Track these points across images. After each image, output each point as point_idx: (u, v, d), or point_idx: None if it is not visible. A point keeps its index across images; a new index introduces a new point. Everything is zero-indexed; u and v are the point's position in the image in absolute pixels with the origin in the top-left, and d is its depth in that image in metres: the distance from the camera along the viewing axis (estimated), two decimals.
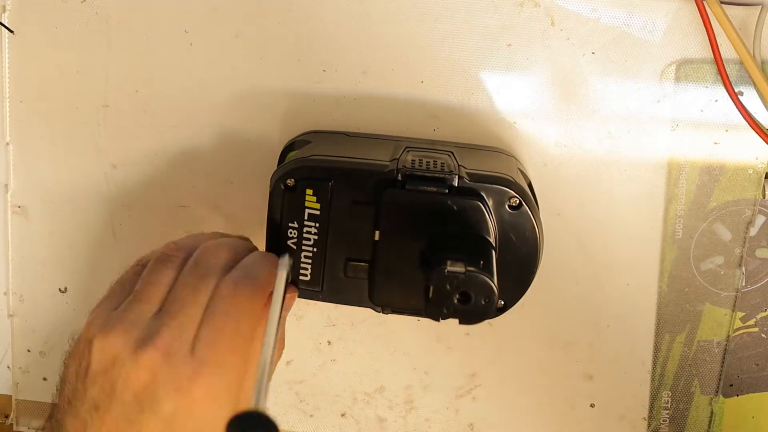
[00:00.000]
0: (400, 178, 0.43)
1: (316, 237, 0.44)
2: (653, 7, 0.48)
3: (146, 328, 0.38)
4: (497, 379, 0.55)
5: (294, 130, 0.52)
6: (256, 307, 0.40)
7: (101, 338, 0.38)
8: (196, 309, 0.39)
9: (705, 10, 0.46)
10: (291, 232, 0.44)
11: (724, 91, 0.48)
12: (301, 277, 0.45)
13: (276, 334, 0.38)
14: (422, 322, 0.54)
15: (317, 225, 0.44)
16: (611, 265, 0.52)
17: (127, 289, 0.41)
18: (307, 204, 0.44)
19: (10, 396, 0.60)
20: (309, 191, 0.44)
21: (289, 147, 0.50)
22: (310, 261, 0.45)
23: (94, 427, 0.37)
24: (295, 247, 0.45)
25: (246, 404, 0.39)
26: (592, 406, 0.55)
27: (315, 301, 0.46)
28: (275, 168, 0.49)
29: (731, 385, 0.53)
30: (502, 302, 0.44)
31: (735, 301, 0.52)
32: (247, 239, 0.46)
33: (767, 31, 0.47)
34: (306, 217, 0.44)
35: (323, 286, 0.45)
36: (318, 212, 0.44)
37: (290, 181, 0.44)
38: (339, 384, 0.56)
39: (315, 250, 0.44)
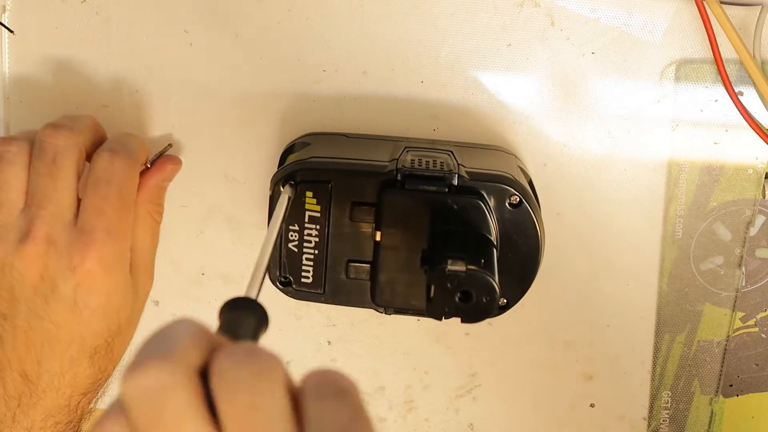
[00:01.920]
0: (399, 178, 0.43)
1: (317, 239, 0.44)
2: (653, 7, 0.48)
3: (18, 227, 0.39)
4: (497, 379, 0.55)
5: (294, 130, 0.52)
6: (134, 174, 0.41)
7: None
8: (61, 193, 0.39)
9: (705, 10, 0.47)
10: (292, 235, 0.44)
11: (724, 91, 0.48)
12: (302, 279, 0.45)
13: (277, 232, 0.40)
14: (422, 322, 0.53)
15: (317, 227, 0.44)
16: (611, 265, 0.52)
17: None
18: (307, 206, 0.44)
19: None
20: (309, 193, 0.44)
21: (289, 149, 0.50)
22: (311, 263, 0.45)
23: (7, 335, 0.38)
24: (296, 250, 0.45)
25: (139, 273, 0.42)
26: (592, 406, 0.55)
27: (315, 302, 0.46)
28: (275, 167, 0.50)
29: (731, 385, 0.53)
30: (505, 300, 0.44)
31: (735, 301, 0.52)
32: (90, 116, 0.47)
33: (767, 31, 0.47)
34: (306, 220, 0.44)
35: (325, 288, 0.45)
36: (318, 214, 0.44)
37: (290, 186, 0.44)
38: None
39: (316, 252, 0.45)
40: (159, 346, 0.27)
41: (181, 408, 0.26)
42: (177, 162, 0.46)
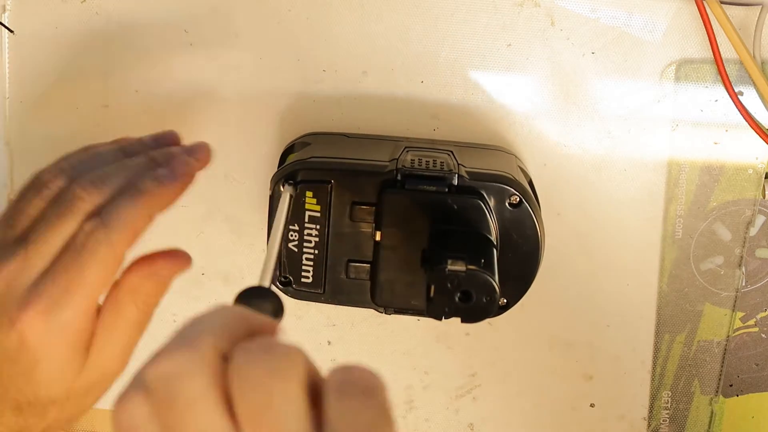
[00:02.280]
0: (399, 177, 0.43)
1: (317, 239, 0.44)
2: (653, 7, 0.48)
3: (2, 251, 0.38)
4: (497, 379, 0.55)
5: (294, 130, 0.52)
6: (108, 256, 0.37)
7: None
8: (48, 247, 0.38)
9: (705, 10, 0.47)
10: (292, 235, 0.44)
11: (724, 91, 0.48)
12: (302, 279, 0.45)
13: (284, 223, 0.39)
14: (422, 322, 0.53)
15: (317, 227, 0.44)
16: (611, 265, 0.52)
17: (9, 213, 0.40)
18: (307, 206, 0.44)
19: None
20: (309, 193, 0.44)
21: (289, 149, 0.50)
22: (311, 263, 0.45)
23: None
24: (296, 250, 0.45)
25: (101, 357, 0.39)
26: (592, 406, 0.55)
27: (314, 302, 0.46)
28: (275, 167, 0.50)
29: (731, 385, 0.53)
30: (505, 300, 0.44)
31: (735, 301, 0.52)
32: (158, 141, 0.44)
33: (767, 31, 0.47)
34: (306, 220, 0.44)
35: (325, 288, 0.45)
36: (318, 214, 0.44)
37: (290, 186, 0.44)
38: None
39: (316, 252, 0.45)
40: (189, 332, 0.27)
41: (195, 395, 0.26)
42: (186, 260, 0.42)
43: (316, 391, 0.26)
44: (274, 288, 0.36)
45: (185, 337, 0.27)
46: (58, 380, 0.38)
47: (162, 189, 0.39)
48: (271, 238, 0.39)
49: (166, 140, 0.45)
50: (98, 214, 0.38)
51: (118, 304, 0.39)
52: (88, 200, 0.39)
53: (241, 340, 0.27)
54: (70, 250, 0.37)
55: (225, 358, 0.27)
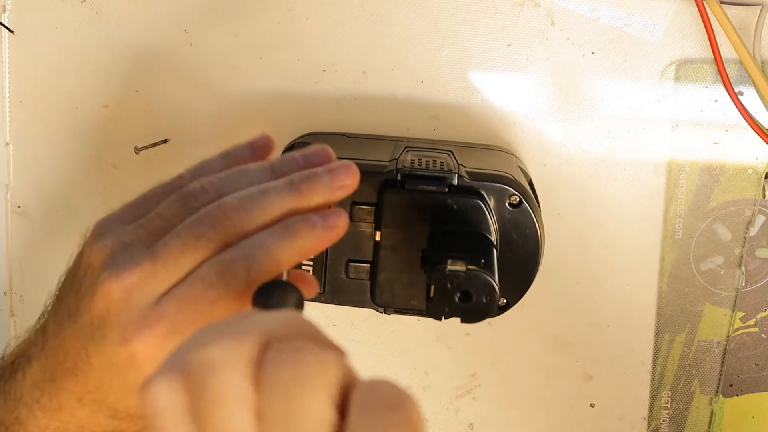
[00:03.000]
0: (399, 177, 0.43)
1: None
2: (653, 7, 0.48)
3: (126, 254, 0.35)
4: (497, 379, 0.55)
5: (294, 130, 0.52)
6: (241, 295, 0.34)
7: (92, 243, 0.36)
8: (177, 266, 0.34)
9: (705, 10, 0.47)
10: None
11: (724, 91, 0.48)
12: None
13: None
14: (422, 322, 0.53)
15: None
16: (611, 265, 0.52)
17: (142, 206, 0.38)
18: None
19: None
20: None
21: (289, 149, 0.50)
22: (311, 263, 0.45)
23: (63, 335, 0.36)
24: None
25: None
26: (592, 406, 0.55)
27: (314, 302, 0.46)
28: None
29: (731, 385, 0.53)
30: (504, 301, 0.44)
31: (735, 301, 0.52)
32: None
33: (767, 31, 0.47)
34: None
35: (325, 288, 0.45)
36: None
37: None
38: None
39: None
40: (240, 324, 0.27)
41: (225, 389, 0.25)
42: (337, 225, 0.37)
43: (344, 401, 0.26)
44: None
45: (235, 329, 0.27)
46: None
47: (313, 238, 0.35)
48: None
49: (318, 159, 0.39)
50: (238, 244, 0.35)
51: None
52: (231, 227, 0.35)
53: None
54: (203, 277, 0.34)
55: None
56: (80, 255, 0.37)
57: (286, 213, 0.36)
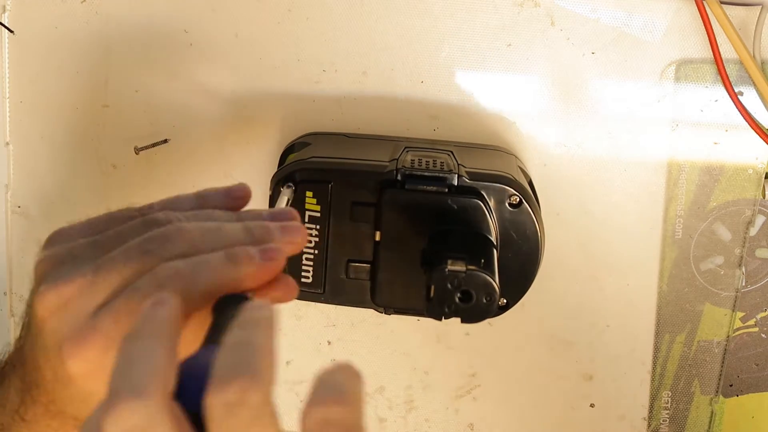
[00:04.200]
0: (399, 178, 0.43)
1: (317, 239, 0.44)
2: (653, 7, 0.48)
3: (71, 265, 0.34)
4: (497, 379, 0.55)
5: (294, 130, 0.52)
6: (177, 310, 0.31)
7: (42, 251, 0.35)
8: (118, 278, 0.34)
9: (705, 10, 0.47)
10: None
11: (724, 91, 0.48)
12: (302, 279, 0.45)
13: None
14: (422, 322, 0.53)
15: (318, 227, 0.44)
16: (611, 265, 0.52)
17: (104, 221, 0.37)
18: (307, 206, 0.44)
19: None
20: (309, 193, 0.44)
21: (289, 149, 0.50)
22: (311, 263, 0.45)
23: (28, 345, 0.36)
24: None
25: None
26: (592, 406, 0.55)
27: (314, 302, 0.46)
28: (275, 167, 0.50)
29: (731, 385, 0.53)
30: (504, 301, 0.44)
31: (735, 301, 0.52)
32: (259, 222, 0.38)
33: (767, 31, 0.47)
34: (306, 220, 0.44)
35: (325, 288, 0.45)
36: (318, 214, 0.44)
37: (289, 187, 0.44)
38: None
39: (316, 252, 0.45)
40: (128, 377, 0.25)
41: None
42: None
43: None
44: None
45: (131, 383, 0.25)
46: None
47: (252, 267, 0.35)
48: None
49: (284, 217, 0.39)
50: (181, 260, 0.34)
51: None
52: (179, 247, 0.35)
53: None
54: (140, 289, 0.33)
55: (172, 396, 0.26)
56: (36, 262, 0.36)
57: (230, 288, 0.35)
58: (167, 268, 0.33)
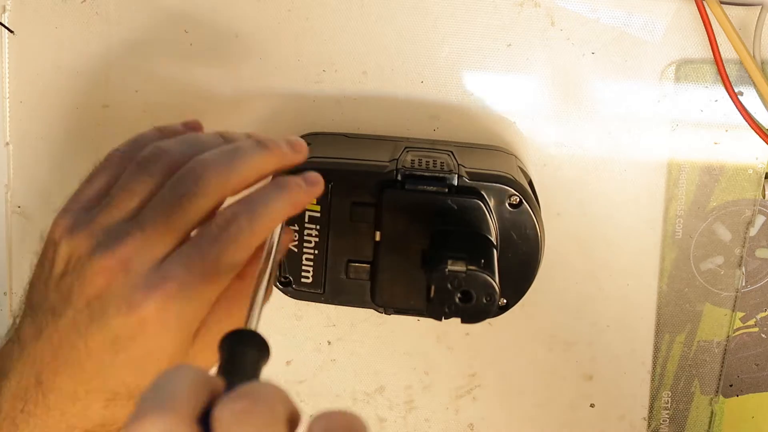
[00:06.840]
0: (399, 178, 0.43)
1: (316, 239, 0.44)
2: (653, 7, 0.48)
3: (112, 232, 0.35)
4: (497, 379, 0.55)
5: (294, 131, 0.52)
6: (248, 247, 0.35)
7: (67, 240, 0.35)
8: (170, 229, 0.35)
9: (705, 10, 0.47)
10: None
11: (724, 91, 0.48)
12: (302, 279, 0.45)
13: (272, 262, 0.36)
14: (422, 322, 0.53)
15: (317, 227, 0.44)
16: (611, 265, 0.52)
17: (96, 189, 0.38)
18: (307, 206, 0.44)
19: None
20: None
21: None
22: (311, 263, 0.45)
23: (47, 334, 0.36)
24: (296, 250, 0.45)
25: (203, 349, 0.36)
26: (592, 406, 0.55)
27: (315, 302, 0.46)
28: None
29: (731, 385, 0.53)
30: (504, 301, 0.44)
31: (735, 301, 0.52)
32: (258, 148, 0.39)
33: (767, 31, 0.47)
34: (306, 220, 0.44)
35: (325, 288, 0.45)
36: (318, 214, 0.44)
37: None
38: (339, 384, 0.56)
39: (316, 252, 0.45)
40: (157, 395, 0.26)
41: None
42: (290, 233, 0.41)
43: None
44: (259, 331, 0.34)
45: (157, 402, 0.26)
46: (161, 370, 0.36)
47: (302, 194, 0.37)
48: (258, 276, 0.36)
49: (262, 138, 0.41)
50: (238, 200, 0.36)
51: (235, 300, 0.36)
52: (215, 184, 0.36)
53: (207, 399, 0.27)
54: (206, 234, 0.34)
55: (199, 418, 0.26)
56: (53, 255, 0.36)
57: (263, 170, 0.38)
58: (228, 214, 0.35)
